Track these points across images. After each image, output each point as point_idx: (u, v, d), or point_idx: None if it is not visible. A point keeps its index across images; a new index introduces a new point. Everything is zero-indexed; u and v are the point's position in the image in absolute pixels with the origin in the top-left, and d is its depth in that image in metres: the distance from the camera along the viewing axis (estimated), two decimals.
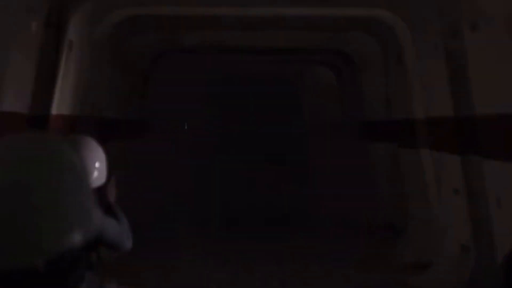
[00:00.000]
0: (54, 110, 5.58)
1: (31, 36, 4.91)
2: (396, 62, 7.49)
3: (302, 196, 12.01)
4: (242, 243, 8.18)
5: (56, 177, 1.02)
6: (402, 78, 7.36)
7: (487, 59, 4.95)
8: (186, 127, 14.75)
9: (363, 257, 7.71)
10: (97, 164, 3.04)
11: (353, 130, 10.92)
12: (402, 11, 6.43)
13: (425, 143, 6.91)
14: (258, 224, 9.58)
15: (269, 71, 13.62)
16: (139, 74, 9.25)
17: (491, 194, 5.24)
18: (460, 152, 5.83)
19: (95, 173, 3.01)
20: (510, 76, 4.53)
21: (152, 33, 8.56)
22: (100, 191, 3.08)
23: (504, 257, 1.66)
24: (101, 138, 7.03)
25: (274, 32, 8.77)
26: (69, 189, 1.03)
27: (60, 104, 5.63)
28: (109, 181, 3.14)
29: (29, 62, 4.97)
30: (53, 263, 0.99)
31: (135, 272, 6.65)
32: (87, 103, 6.65)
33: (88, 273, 1.12)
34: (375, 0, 6.54)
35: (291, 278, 6.78)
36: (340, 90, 11.85)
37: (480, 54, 5.05)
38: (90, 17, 5.98)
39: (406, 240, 7.78)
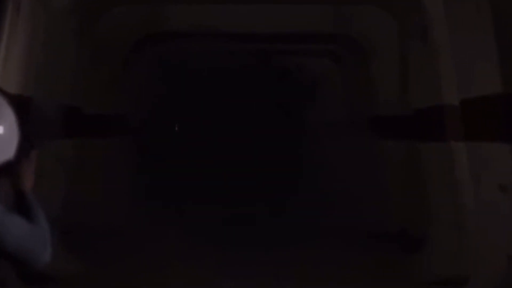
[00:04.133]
0: None
1: None
2: (420, 41, 6.38)
3: (303, 202, 11.12)
4: (238, 252, 7.38)
5: None
6: (427, 59, 6.29)
7: None
8: (176, 128, 13.87)
9: (376, 271, 6.72)
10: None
11: (360, 127, 9.92)
12: None
13: (457, 133, 5.83)
14: (256, 231, 8.78)
15: (265, 63, 12.72)
16: (117, 60, 8.13)
17: None
18: (509, 139, 4.69)
19: None
20: None
21: (131, 9, 7.47)
22: (7, 171, 1.93)
23: None
24: (69, 132, 5.92)
25: (270, 7, 7.72)
26: None
27: (4, 79, 4.47)
28: (25, 158, 1.97)
29: None
30: None
31: None
32: (45, 85, 5.48)
33: None
34: None
35: None
36: (345, 83, 10.85)
37: None
38: None
39: (431, 250, 6.71)
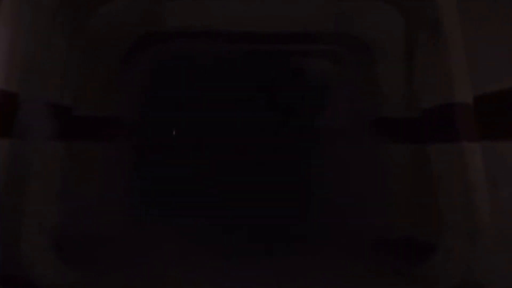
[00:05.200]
0: None
1: None
2: (429, 36, 6.01)
3: (306, 209, 10.95)
4: (237, 261, 7.07)
5: None
6: (437, 55, 5.91)
7: None
8: (174, 133, 13.53)
9: (382, 279, 6.37)
10: None
11: (365, 130, 9.57)
12: None
13: (471, 133, 5.49)
14: (256, 239, 8.46)
15: (265, 66, 12.42)
16: (113, 60, 7.79)
17: None
18: None
19: None
20: None
21: (127, 6, 7.15)
22: None
23: None
24: (61, 133, 5.60)
25: (270, 4, 7.42)
26: None
27: None
28: None
29: None
30: None
31: None
32: (32, 82, 5.16)
33: None
34: None
35: None
36: (348, 85, 10.49)
37: None
38: None
39: (442, 257, 6.32)
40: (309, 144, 13.46)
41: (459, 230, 6.10)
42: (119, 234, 7.71)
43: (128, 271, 6.42)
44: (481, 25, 4.85)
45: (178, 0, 7.44)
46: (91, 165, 7.60)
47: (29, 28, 5.10)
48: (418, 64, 6.69)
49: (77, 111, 7.28)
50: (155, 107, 11.57)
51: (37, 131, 5.36)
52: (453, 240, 6.21)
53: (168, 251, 7.54)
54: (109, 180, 8.07)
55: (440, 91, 6.01)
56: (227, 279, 6.27)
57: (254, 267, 6.76)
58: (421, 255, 6.74)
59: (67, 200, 6.72)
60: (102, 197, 7.69)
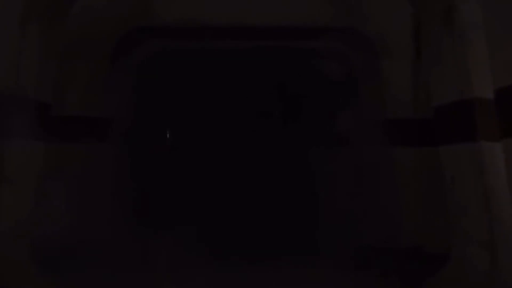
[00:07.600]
0: None
1: None
2: (443, 25, 5.55)
3: (308, 215, 10.58)
4: (233, 270, 6.80)
5: None
6: (452, 47, 5.46)
7: None
8: (168, 136, 13.19)
9: None
10: None
11: (369, 134, 9.19)
12: None
13: (491, 131, 5.01)
14: (254, 246, 8.24)
15: (265, 64, 12.06)
16: (99, 56, 7.34)
17: None
18: None
19: None
20: None
21: None
22: None
23: None
24: (40, 133, 5.12)
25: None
26: None
27: None
28: None
29: None
30: None
31: None
32: (4, 76, 4.70)
33: None
34: None
35: None
36: (352, 85, 10.11)
37: None
38: None
39: (455, 269, 5.84)
40: (311, 147, 13.16)
41: (475, 238, 5.63)
42: (105, 241, 7.30)
43: (116, 280, 6.08)
44: (504, 8, 4.37)
45: None
46: (75, 168, 7.16)
47: (0, 19, 4.67)
48: (429, 58, 6.20)
49: (61, 111, 6.86)
50: (146, 107, 11.20)
51: (9, 128, 4.93)
52: (467, 250, 5.75)
53: (159, 259, 7.22)
54: (96, 184, 7.65)
55: (456, 86, 5.53)
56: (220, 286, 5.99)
57: (251, 275, 6.51)
58: (431, 266, 6.32)
59: (48, 204, 6.35)
60: (87, 202, 7.27)
